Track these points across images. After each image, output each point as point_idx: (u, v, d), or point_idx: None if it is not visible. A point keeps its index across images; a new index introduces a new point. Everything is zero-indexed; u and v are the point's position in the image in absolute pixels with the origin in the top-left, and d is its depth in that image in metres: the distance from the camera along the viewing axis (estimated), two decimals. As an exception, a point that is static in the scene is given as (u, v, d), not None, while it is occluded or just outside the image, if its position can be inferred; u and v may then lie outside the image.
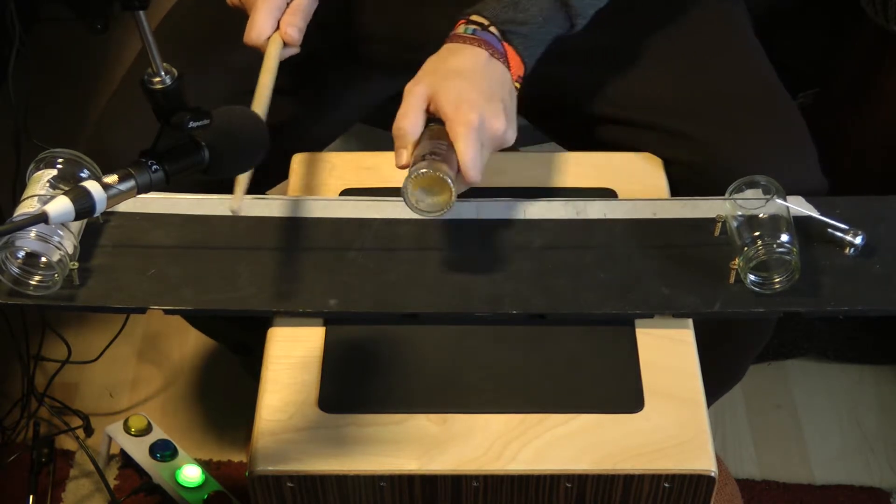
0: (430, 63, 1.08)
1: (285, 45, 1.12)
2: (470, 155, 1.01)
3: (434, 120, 1.05)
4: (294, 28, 1.11)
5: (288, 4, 1.12)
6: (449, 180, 0.99)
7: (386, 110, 1.54)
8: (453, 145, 1.01)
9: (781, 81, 1.26)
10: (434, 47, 1.30)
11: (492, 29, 1.08)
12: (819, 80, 1.86)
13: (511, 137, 1.05)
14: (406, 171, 1.01)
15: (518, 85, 1.09)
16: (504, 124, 1.04)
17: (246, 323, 1.32)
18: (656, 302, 1.04)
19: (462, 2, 1.28)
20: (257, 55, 1.14)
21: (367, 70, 1.34)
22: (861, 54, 1.72)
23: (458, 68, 1.05)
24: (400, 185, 1.17)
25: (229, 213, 1.11)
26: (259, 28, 1.11)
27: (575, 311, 1.04)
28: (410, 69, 1.35)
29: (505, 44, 1.08)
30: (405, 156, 1.03)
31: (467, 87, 1.03)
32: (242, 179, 1.03)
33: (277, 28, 1.12)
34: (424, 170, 0.99)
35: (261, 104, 1.06)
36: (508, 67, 1.08)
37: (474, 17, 1.09)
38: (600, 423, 0.98)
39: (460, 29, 1.09)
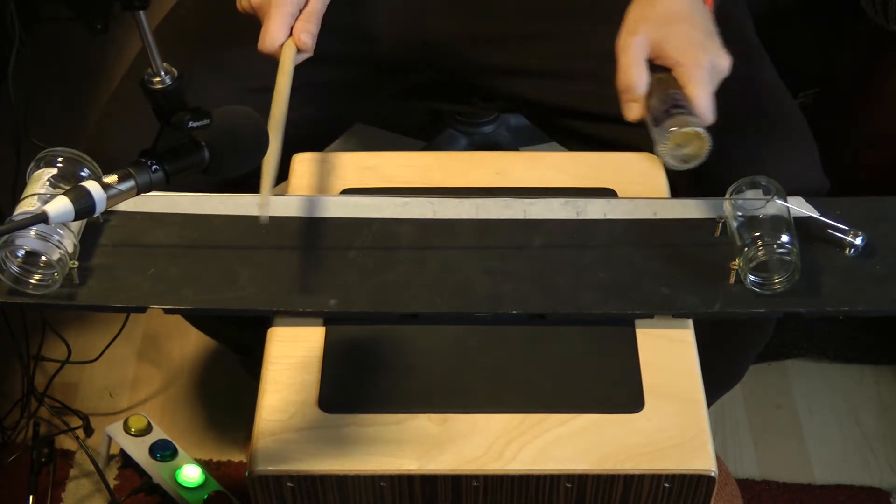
0: (637, 11, 1.06)
1: (298, 50, 1.12)
2: (706, 99, 1.01)
3: (655, 68, 1.04)
4: (307, 34, 1.12)
5: (300, 10, 1.13)
6: (702, 132, 0.99)
7: (386, 110, 1.55)
8: (686, 90, 1.01)
9: (781, 81, 1.26)
10: (437, 48, 1.31)
11: None
12: (819, 80, 1.86)
13: (729, 68, 1.05)
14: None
15: (713, 14, 1.09)
16: (727, 60, 1.04)
17: (246, 323, 1.32)
18: (656, 302, 1.04)
19: (462, 3, 1.28)
20: (258, 54, 1.14)
21: (367, 70, 1.34)
22: (861, 54, 1.72)
23: (671, 12, 1.05)
24: (400, 184, 1.18)
25: (229, 214, 1.12)
26: (273, 36, 1.11)
27: (575, 311, 1.04)
28: (412, 69, 1.36)
29: None
30: (637, 109, 1.03)
31: (688, 29, 1.03)
32: (268, 182, 1.02)
33: (290, 34, 1.12)
34: (676, 128, 0.99)
35: (279, 111, 1.06)
36: (705, 1, 1.08)
37: None
38: (600, 423, 0.98)
39: None
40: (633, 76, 1.03)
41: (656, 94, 1.03)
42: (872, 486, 1.62)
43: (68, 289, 1.04)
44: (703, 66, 1.02)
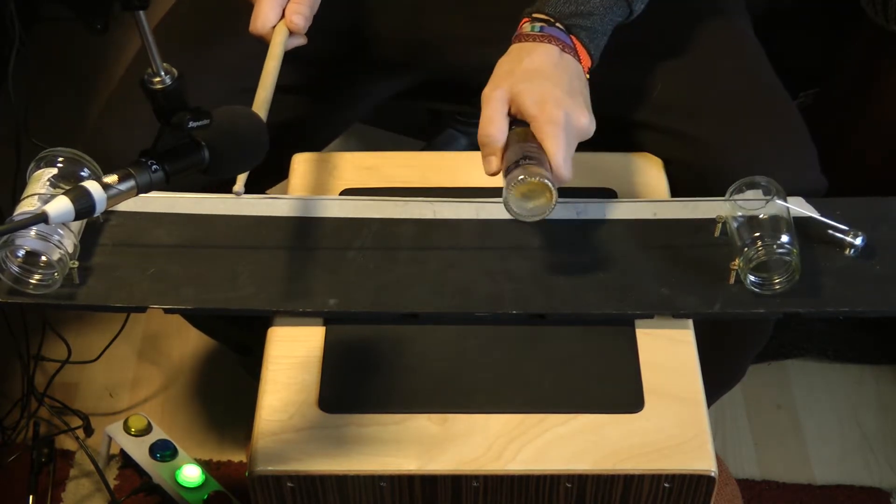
0: (504, 65, 1.07)
1: (291, 33, 1.11)
2: (561, 154, 1.01)
3: (516, 122, 1.04)
4: (299, 16, 1.11)
5: None
6: (549, 183, 0.98)
7: (386, 110, 1.55)
8: (542, 145, 1.01)
9: (781, 81, 1.26)
10: (435, 47, 1.31)
11: (557, 25, 1.08)
12: (819, 80, 1.86)
13: (592, 129, 1.05)
14: (494, 177, 1.01)
15: (588, 76, 1.09)
16: (588, 119, 1.04)
17: (246, 323, 1.32)
18: (656, 302, 1.04)
19: (460, 3, 1.28)
20: (258, 54, 1.14)
21: (368, 70, 1.34)
22: (861, 54, 1.72)
23: (535, 68, 1.05)
24: (400, 184, 1.18)
25: (229, 214, 1.12)
26: (264, 17, 1.10)
27: (575, 311, 1.04)
28: (411, 69, 1.36)
29: (572, 37, 1.08)
30: (495, 163, 1.03)
31: (548, 86, 1.03)
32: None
33: (283, 17, 1.12)
34: (524, 177, 0.98)
35: (265, 92, 1.06)
36: (579, 61, 1.08)
37: (537, 15, 1.09)
38: (600, 423, 0.98)
39: (526, 28, 1.09)
40: (492, 130, 1.03)
41: (512, 147, 1.02)
42: (872, 486, 1.62)
43: (68, 289, 1.04)
44: (557, 122, 1.01)
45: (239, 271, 1.06)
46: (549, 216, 1.00)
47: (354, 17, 1.29)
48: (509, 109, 1.04)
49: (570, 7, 1.08)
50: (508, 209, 1.00)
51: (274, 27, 1.11)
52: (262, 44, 1.12)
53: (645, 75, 1.24)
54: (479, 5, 1.27)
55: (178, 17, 1.32)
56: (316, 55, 1.19)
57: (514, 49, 1.08)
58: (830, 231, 1.07)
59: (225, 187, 1.13)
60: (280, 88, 1.09)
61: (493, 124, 1.03)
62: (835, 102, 1.79)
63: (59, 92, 2.16)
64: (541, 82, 1.03)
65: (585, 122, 1.04)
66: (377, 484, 0.96)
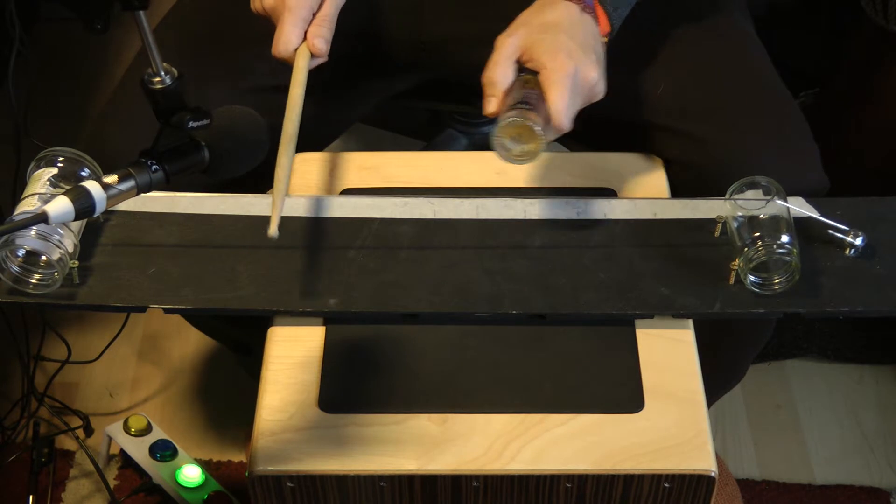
0: (523, 16, 1.08)
1: (312, 56, 1.11)
2: (563, 101, 1.01)
3: (525, 71, 1.05)
4: (321, 39, 1.11)
5: (314, 14, 1.12)
6: (538, 129, 0.99)
7: (386, 110, 1.55)
8: (545, 94, 1.02)
9: (781, 81, 1.26)
10: (436, 48, 1.31)
11: None
12: (819, 80, 1.86)
13: (602, 89, 1.06)
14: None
15: (605, 41, 1.10)
16: (597, 73, 1.05)
17: (246, 323, 1.32)
18: (656, 302, 1.04)
19: (462, 4, 1.28)
20: (259, 54, 1.14)
21: (368, 70, 1.34)
22: (861, 54, 1.72)
23: (553, 21, 1.06)
24: (400, 184, 1.18)
25: (229, 214, 1.12)
26: (286, 40, 1.10)
27: (575, 311, 1.04)
28: (412, 70, 1.36)
29: (594, 0, 1.09)
30: (494, 104, 1.03)
31: (563, 38, 1.04)
32: (279, 199, 1.00)
33: (304, 39, 1.12)
34: (514, 118, 0.99)
35: (293, 118, 1.05)
36: (598, 23, 1.09)
37: None
38: (600, 423, 0.98)
39: None
40: (496, 72, 1.04)
41: (514, 92, 1.04)
42: (872, 486, 1.62)
43: (68, 288, 1.04)
44: (567, 73, 1.02)
45: (239, 271, 1.06)
46: (542, 216, 0.99)
47: (356, 19, 1.28)
48: (521, 58, 1.05)
49: None
50: (494, 147, 1.01)
51: (296, 50, 1.11)
52: (264, 44, 1.12)
53: (647, 76, 1.24)
54: (481, 6, 1.27)
55: (179, 18, 1.32)
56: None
57: (536, 4, 1.09)
58: (830, 231, 1.07)
59: (225, 187, 1.13)
60: (280, 88, 1.09)
61: (499, 67, 1.04)
62: (835, 102, 1.79)
63: (59, 92, 2.16)
64: (555, 34, 1.05)
65: (594, 77, 1.05)
66: (377, 484, 0.96)
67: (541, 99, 1.02)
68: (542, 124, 1.00)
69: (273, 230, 0.97)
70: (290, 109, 1.06)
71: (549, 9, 1.08)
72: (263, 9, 1.13)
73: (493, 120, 1.72)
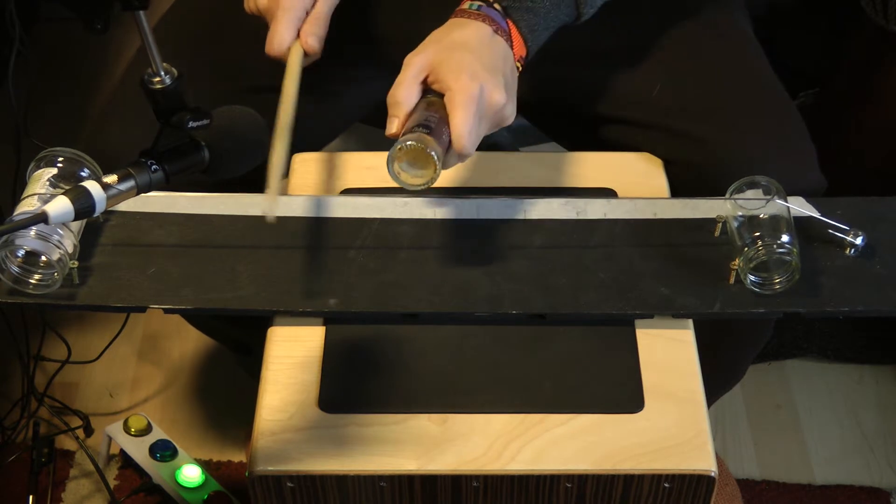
0: (433, 35, 1.07)
1: (305, 53, 1.11)
2: (466, 125, 0.99)
3: (432, 92, 1.03)
4: (314, 37, 1.11)
5: (307, 13, 1.12)
6: (434, 154, 0.96)
7: (386, 110, 1.54)
8: (449, 116, 1.00)
9: (781, 81, 1.26)
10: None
11: (496, 6, 1.07)
12: (819, 80, 1.86)
13: (510, 114, 1.04)
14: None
15: (520, 66, 1.08)
16: (504, 97, 1.02)
17: (246, 323, 1.32)
18: (656, 302, 1.04)
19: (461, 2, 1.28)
20: (259, 53, 1.14)
21: (368, 70, 1.34)
22: (861, 54, 1.72)
23: (462, 41, 1.04)
24: (400, 184, 1.18)
25: (229, 213, 1.12)
26: (280, 39, 1.10)
27: (575, 311, 1.04)
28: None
29: (509, 22, 1.07)
30: (395, 125, 1.01)
31: (469, 58, 1.02)
32: (274, 183, 1.00)
33: (297, 37, 1.12)
34: (410, 142, 0.96)
35: (287, 115, 1.05)
36: (511, 46, 1.07)
37: None
38: (600, 423, 0.98)
39: (465, 5, 1.09)
40: (400, 93, 1.02)
41: (416, 113, 1.01)
42: (872, 486, 1.62)
43: (68, 289, 1.04)
44: (471, 95, 0.99)
45: (239, 271, 1.06)
46: (542, 216, 0.99)
47: (355, 18, 1.29)
48: (427, 78, 1.03)
49: None
50: (389, 170, 0.98)
51: (289, 47, 1.11)
52: (263, 44, 1.12)
53: (645, 75, 1.24)
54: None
55: (179, 17, 1.32)
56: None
57: (448, 23, 1.08)
58: (830, 231, 1.07)
59: (225, 187, 1.13)
60: (279, 88, 1.09)
61: (402, 87, 1.02)
62: (835, 102, 1.79)
63: (59, 92, 2.16)
64: (462, 54, 1.03)
65: (501, 101, 1.02)
66: (377, 484, 0.96)
67: (443, 122, 1.00)
68: (439, 150, 0.97)
69: (270, 211, 0.97)
70: (285, 101, 1.06)
71: (458, 28, 1.06)
72: (258, 8, 1.13)
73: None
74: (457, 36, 1.05)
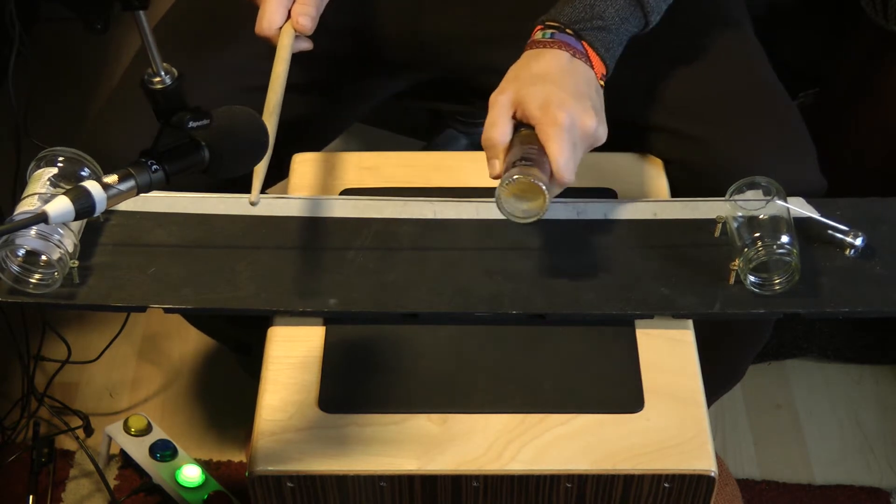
0: (513, 71, 1.07)
1: (297, 35, 1.11)
2: (563, 156, 1.00)
3: (523, 126, 1.04)
4: (306, 17, 1.10)
5: None
6: (541, 185, 0.97)
7: (386, 110, 1.55)
8: (545, 149, 1.00)
9: (781, 81, 1.26)
10: (437, 47, 1.31)
11: (568, 31, 1.07)
12: (819, 80, 1.86)
13: (603, 134, 1.05)
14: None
15: (602, 83, 1.09)
16: (595, 121, 1.03)
17: (246, 323, 1.32)
18: (656, 302, 1.04)
19: (463, 3, 1.28)
20: (259, 53, 1.14)
21: (369, 69, 1.34)
22: (861, 54, 1.72)
23: (542, 72, 1.04)
24: (400, 184, 1.18)
25: (229, 214, 1.12)
26: (270, 18, 1.09)
27: (575, 311, 1.04)
28: (413, 69, 1.36)
29: (584, 44, 1.08)
30: (498, 166, 1.02)
31: (553, 89, 1.02)
32: (260, 172, 1.02)
33: (289, 18, 1.11)
34: (517, 176, 0.97)
35: (275, 94, 1.05)
36: (592, 66, 1.07)
37: (550, 22, 1.08)
38: (600, 423, 0.98)
39: (538, 35, 1.08)
40: (493, 133, 1.02)
41: (514, 149, 1.02)
42: (872, 486, 1.62)
43: (68, 288, 1.04)
44: (561, 125, 1.00)
45: (239, 271, 1.07)
46: (544, 216, 0.99)
47: (357, 17, 1.29)
48: (515, 113, 1.04)
49: (583, 14, 1.08)
50: (500, 208, 1.00)
51: (280, 28, 1.11)
52: (263, 43, 1.12)
53: (646, 76, 1.24)
54: (482, 5, 1.27)
55: (178, 17, 1.32)
56: (317, 54, 1.19)
57: (525, 56, 1.08)
58: (830, 231, 1.07)
59: (225, 187, 1.13)
60: (280, 88, 1.09)
61: (496, 128, 1.03)
62: (835, 102, 1.79)
63: (59, 92, 2.16)
64: (545, 86, 1.03)
65: (592, 126, 1.03)
66: (377, 484, 0.96)
67: (541, 153, 1.00)
68: (545, 178, 0.98)
69: (254, 196, 0.98)
70: (274, 81, 1.06)
71: (535, 60, 1.06)
72: None
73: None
74: (535, 68, 1.05)
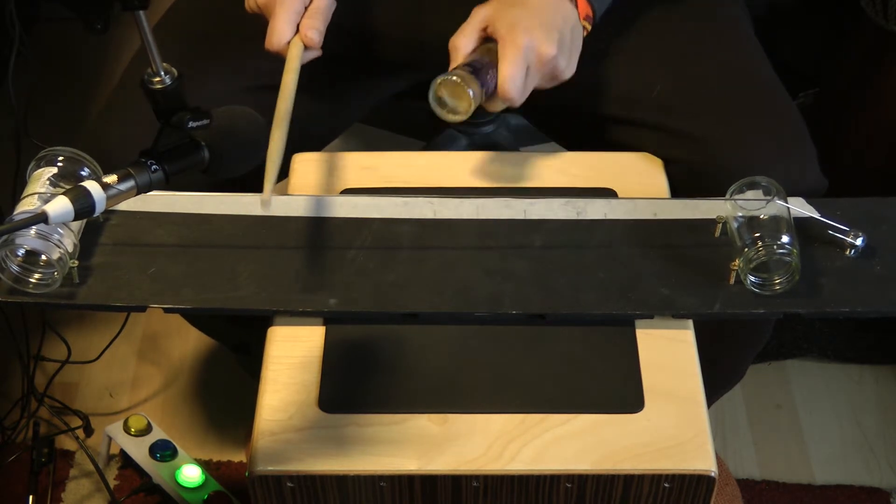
0: None
1: (306, 48, 1.12)
2: (510, 72, 1.06)
3: (490, 41, 1.10)
4: (314, 31, 1.12)
5: (306, 8, 1.13)
6: (470, 92, 1.06)
7: (386, 110, 1.55)
8: (498, 63, 1.07)
9: (781, 81, 1.26)
10: (437, 47, 1.31)
11: None
12: (819, 80, 1.86)
13: (564, 68, 1.10)
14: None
15: (587, 26, 1.13)
16: (555, 51, 1.08)
17: (246, 323, 1.32)
18: (656, 302, 1.04)
19: (463, 3, 1.28)
20: (259, 53, 1.14)
21: (370, 69, 1.34)
22: (861, 54, 1.72)
23: None
24: (400, 184, 1.18)
25: (229, 213, 1.12)
26: (279, 33, 1.11)
27: (575, 311, 1.04)
28: (413, 69, 1.36)
29: None
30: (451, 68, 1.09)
31: (526, 15, 1.08)
32: (271, 172, 1.02)
33: (297, 31, 1.12)
34: (453, 77, 1.06)
35: (284, 105, 1.06)
36: (576, 5, 1.12)
37: None
38: (600, 423, 0.98)
39: None
40: (458, 39, 1.10)
41: (470, 56, 1.10)
42: (872, 486, 1.62)
43: (68, 288, 1.04)
44: (519, 46, 1.06)
45: (239, 271, 1.06)
46: (546, 217, 1.01)
47: (357, 17, 1.29)
48: (486, 28, 1.10)
49: None
50: (430, 100, 1.08)
51: (289, 42, 1.12)
52: (263, 43, 1.13)
53: (645, 75, 1.24)
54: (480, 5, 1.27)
55: (179, 17, 1.32)
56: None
57: None
58: (830, 231, 1.07)
59: (225, 187, 1.13)
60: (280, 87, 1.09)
61: (461, 35, 1.10)
62: (835, 102, 1.79)
63: (59, 92, 2.16)
64: (520, 10, 1.09)
65: (550, 54, 1.08)
66: (377, 484, 0.96)
67: (492, 66, 1.08)
68: (477, 89, 1.06)
69: (266, 198, 1.00)
70: (284, 91, 1.08)
71: None
72: (257, 5, 1.14)
73: (493, 120, 1.72)
74: None
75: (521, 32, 1.07)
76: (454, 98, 1.08)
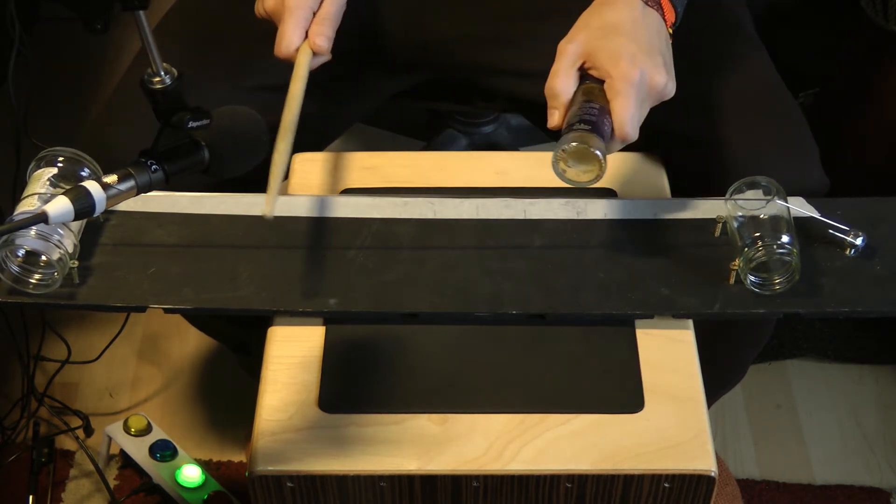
0: (583, 18, 1.04)
1: (315, 54, 1.11)
2: (627, 113, 0.98)
3: (588, 77, 1.02)
4: (323, 37, 1.11)
5: (314, 14, 1.12)
6: (598, 153, 0.96)
7: (386, 110, 1.55)
8: (610, 103, 0.99)
9: (782, 80, 1.26)
10: (440, 47, 1.31)
11: None
12: (819, 80, 1.86)
13: (671, 90, 1.03)
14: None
15: (671, 32, 1.06)
16: (665, 77, 1.01)
17: (246, 322, 1.32)
18: (656, 302, 1.04)
19: (466, 3, 1.28)
20: (259, 53, 1.14)
21: (371, 69, 1.34)
22: (861, 54, 1.72)
23: (614, 22, 1.02)
24: (400, 184, 1.18)
25: (229, 213, 1.12)
26: (288, 40, 1.10)
27: (575, 311, 1.04)
28: (416, 69, 1.36)
29: None
30: (557, 117, 1.01)
31: (625, 42, 1.00)
32: (274, 185, 1.00)
33: (306, 37, 1.12)
34: (574, 143, 0.96)
35: (291, 113, 1.05)
36: (663, 14, 1.05)
37: None
38: (600, 423, 0.98)
39: None
40: (557, 83, 1.01)
41: (575, 104, 1.00)
42: (872, 486, 1.62)
43: (68, 288, 1.04)
44: (632, 81, 0.99)
45: (239, 271, 1.06)
46: (548, 216, 1.00)
47: (359, 17, 1.29)
48: (584, 65, 1.02)
49: None
50: (556, 172, 0.99)
51: (297, 48, 1.11)
52: (263, 43, 1.12)
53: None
54: (486, 5, 1.27)
55: (179, 17, 1.32)
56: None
57: (596, 2, 1.05)
58: (831, 231, 1.07)
59: (225, 187, 1.13)
60: (281, 88, 1.09)
61: (558, 78, 1.01)
62: (835, 102, 1.79)
63: (59, 92, 2.16)
64: (617, 38, 1.01)
65: (661, 82, 1.01)
66: (377, 484, 0.96)
67: (603, 112, 0.99)
68: (602, 145, 0.97)
69: (268, 210, 0.97)
70: (291, 101, 1.06)
71: (608, 8, 1.03)
72: (265, 11, 1.13)
73: (493, 120, 1.72)
74: (608, 17, 1.02)
75: (628, 65, 0.98)
76: (578, 160, 0.98)
